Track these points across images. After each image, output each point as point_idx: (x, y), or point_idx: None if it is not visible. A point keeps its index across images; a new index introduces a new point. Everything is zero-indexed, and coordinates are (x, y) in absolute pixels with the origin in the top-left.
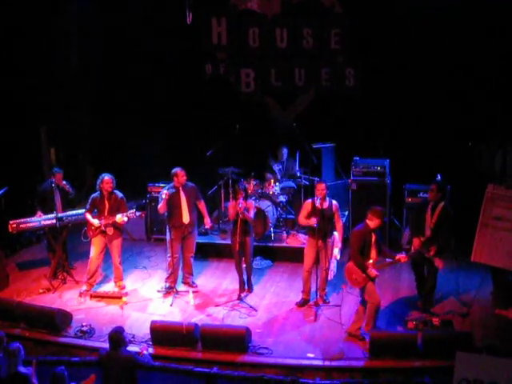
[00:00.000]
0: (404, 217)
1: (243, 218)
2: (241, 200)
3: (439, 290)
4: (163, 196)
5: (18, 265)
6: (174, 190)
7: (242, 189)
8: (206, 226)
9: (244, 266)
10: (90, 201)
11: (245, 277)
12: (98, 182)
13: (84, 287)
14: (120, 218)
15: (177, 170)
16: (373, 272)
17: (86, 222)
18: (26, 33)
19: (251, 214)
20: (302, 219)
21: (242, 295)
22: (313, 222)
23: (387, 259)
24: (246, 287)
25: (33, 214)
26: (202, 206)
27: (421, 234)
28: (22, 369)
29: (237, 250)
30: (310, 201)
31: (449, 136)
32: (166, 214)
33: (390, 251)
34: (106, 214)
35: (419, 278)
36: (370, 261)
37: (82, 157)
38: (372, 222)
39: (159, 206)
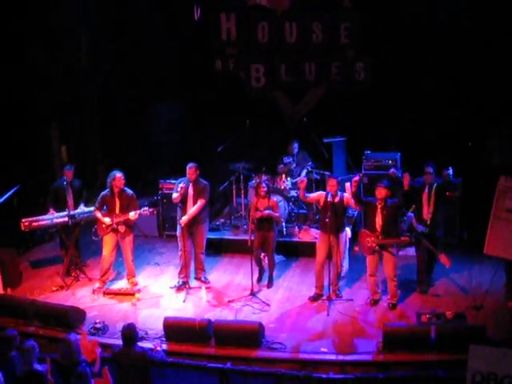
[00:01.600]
0: None
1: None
2: (265, 194)
3: (452, 284)
4: (178, 189)
5: (30, 263)
6: (188, 183)
7: (264, 186)
8: (180, 222)
9: (266, 261)
10: (99, 199)
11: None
12: (109, 179)
13: (97, 284)
14: (133, 215)
15: (188, 165)
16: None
17: (97, 220)
18: (37, 32)
19: (277, 211)
20: (307, 196)
21: (255, 290)
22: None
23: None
24: (266, 282)
25: (45, 212)
26: (198, 203)
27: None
28: (37, 366)
29: (251, 245)
30: (324, 194)
31: (461, 128)
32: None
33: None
34: (117, 211)
35: (421, 265)
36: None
37: (93, 154)
38: (378, 192)
39: (174, 195)
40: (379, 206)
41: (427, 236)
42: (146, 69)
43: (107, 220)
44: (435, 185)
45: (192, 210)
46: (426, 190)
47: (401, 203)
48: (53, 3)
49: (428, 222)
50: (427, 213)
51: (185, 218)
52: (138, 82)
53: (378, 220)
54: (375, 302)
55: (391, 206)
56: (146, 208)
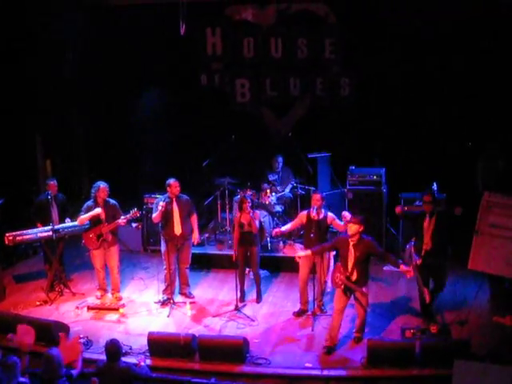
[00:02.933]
0: (400, 225)
1: (248, 230)
2: (249, 208)
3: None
4: (159, 207)
5: (14, 277)
6: (168, 201)
7: (248, 199)
8: (194, 242)
9: (252, 276)
10: (84, 208)
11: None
12: (94, 190)
13: (98, 293)
14: (122, 219)
15: (170, 180)
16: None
17: (83, 235)
18: (20, 44)
19: (256, 223)
20: (289, 224)
21: (240, 305)
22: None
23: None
24: (254, 298)
25: (30, 226)
26: (193, 219)
27: (419, 245)
28: (21, 379)
29: (236, 261)
30: (305, 212)
31: (444, 144)
32: (160, 224)
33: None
34: (103, 221)
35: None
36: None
37: (77, 168)
38: (348, 228)
39: (154, 215)
40: (351, 243)
41: (424, 266)
42: (131, 82)
43: (98, 210)
44: (436, 213)
45: (195, 226)
46: (427, 218)
47: (374, 244)
48: (40, 15)
49: (423, 253)
50: (426, 242)
51: (196, 236)
52: (123, 95)
53: (350, 258)
54: (329, 350)
55: (364, 245)
56: (134, 210)
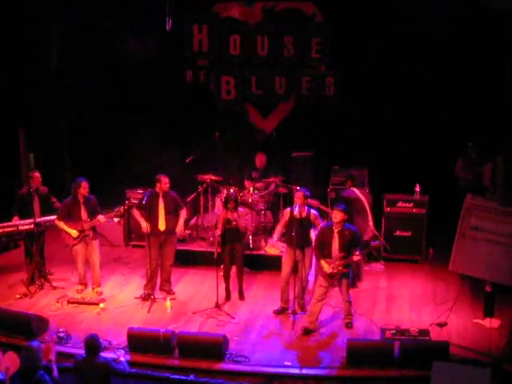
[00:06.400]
0: (382, 225)
1: (234, 227)
2: (233, 208)
3: (416, 300)
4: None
5: None
6: (155, 195)
7: (233, 198)
8: (177, 232)
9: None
10: (62, 206)
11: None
12: (75, 186)
13: (80, 287)
14: (103, 218)
15: (161, 176)
16: (324, 265)
17: (63, 230)
18: (3, 35)
19: (242, 222)
20: (278, 227)
21: (220, 302)
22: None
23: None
24: (236, 294)
25: (11, 218)
26: (182, 213)
27: None
28: None
29: (221, 259)
30: (288, 210)
31: (428, 145)
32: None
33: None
34: (84, 217)
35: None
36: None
37: (61, 162)
38: (334, 215)
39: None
40: (336, 230)
41: None
42: (116, 76)
43: (74, 232)
44: None
45: (181, 221)
46: None
47: (358, 235)
48: (25, 7)
49: None
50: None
51: (180, 227)
52: (108, 89)
53: (335, 245)
54: (307, 332)
55: (350, 232)
56: (117, 208)
